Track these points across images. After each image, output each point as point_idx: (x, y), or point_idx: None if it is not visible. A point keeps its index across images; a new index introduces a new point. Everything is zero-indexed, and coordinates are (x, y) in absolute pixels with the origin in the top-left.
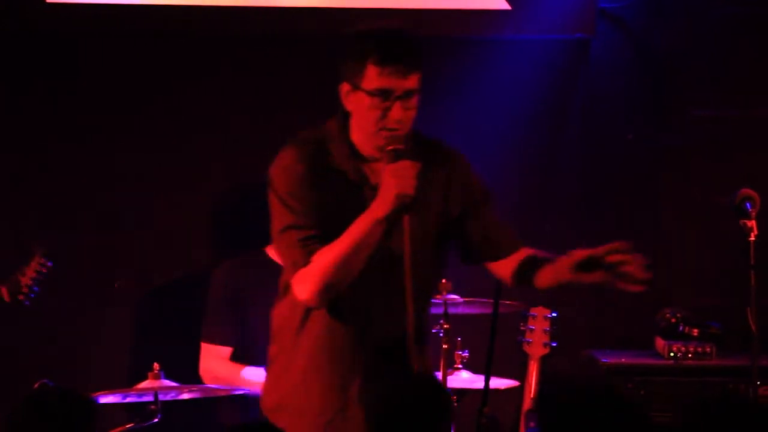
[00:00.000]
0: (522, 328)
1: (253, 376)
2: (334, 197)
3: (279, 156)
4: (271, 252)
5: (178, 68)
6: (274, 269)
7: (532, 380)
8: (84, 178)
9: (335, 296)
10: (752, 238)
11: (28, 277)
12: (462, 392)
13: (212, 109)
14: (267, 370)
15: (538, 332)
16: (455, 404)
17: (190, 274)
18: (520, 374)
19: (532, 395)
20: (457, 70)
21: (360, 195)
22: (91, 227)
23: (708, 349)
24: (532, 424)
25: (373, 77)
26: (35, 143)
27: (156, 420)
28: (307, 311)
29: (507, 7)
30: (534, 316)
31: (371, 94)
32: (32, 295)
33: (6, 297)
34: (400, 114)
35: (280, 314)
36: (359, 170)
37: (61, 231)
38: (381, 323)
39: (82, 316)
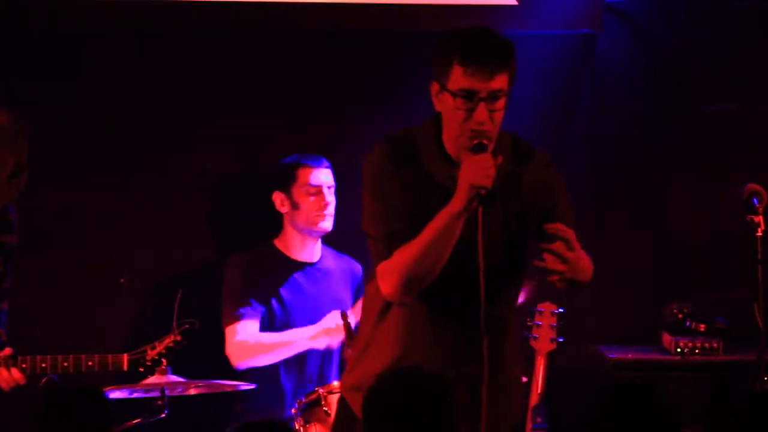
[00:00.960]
0: (529, 323)
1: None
2: (419, 198)
3: (372, 150)
4: (280, 244)
5: (181, 65)
6: (285, 261)
7: (539, 375)
8: (84, 177)
9: (417, 291)
10: (759, 234)
11: (156, 351)
12: None
13: (217, 105)
14: (354, 349)
15: (544, 328)
16: None
17: (198, 268)
18: (527, 370)
19: (539, 390)
20: None
21: (446, 198)
22: (94, 225)
23: (715, 345)
24: (539, 419)
25: (457, 77)
26: (35, 143)
27: (163, 415)
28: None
29: (514, 2)
30: (541, 312)
31: (455, 94)
32: (155, 367)
33: (124, 366)
34: (484, 115)
35: (368, 296)
36: (447, 173)
37: (61, 230)
38: (455, 316)
39: (88, 311)
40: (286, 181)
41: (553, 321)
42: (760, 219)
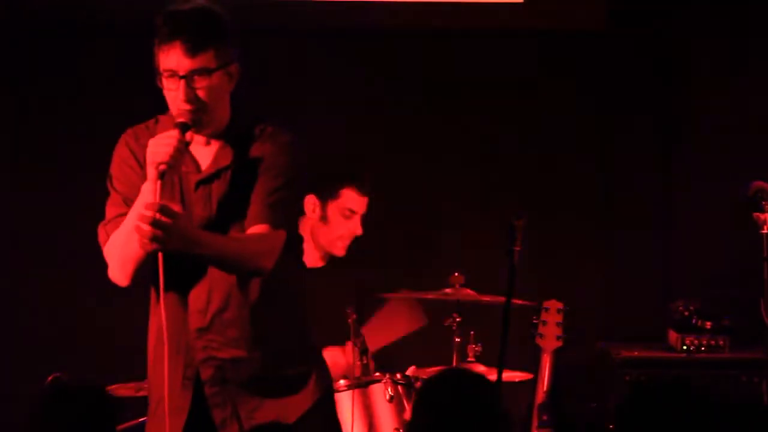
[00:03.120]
0: (535, 321)
1: None
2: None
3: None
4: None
5: None
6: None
7: (545, 373)
8: (85, 176)
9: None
10: (765, 231)
11: None
12: None
13: None
14: None
15: (550, 325)
16: None
17: None
18: (533, 367)
19: (545, 388)
20: (467, 63)
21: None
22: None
23: (721, 342)
24: (545, 417)
25: (161, 58)
26: (35, 143)
27: None
28: None
29: (519, 0)
30: (547, 310)
31: (161, 75)
32: None
33: None
34: (187, 94)
35: None
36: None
37: (61, 230)
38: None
39: (94, 311)
40: (328, 192)
41: (559, 318)
42: (766, 216)
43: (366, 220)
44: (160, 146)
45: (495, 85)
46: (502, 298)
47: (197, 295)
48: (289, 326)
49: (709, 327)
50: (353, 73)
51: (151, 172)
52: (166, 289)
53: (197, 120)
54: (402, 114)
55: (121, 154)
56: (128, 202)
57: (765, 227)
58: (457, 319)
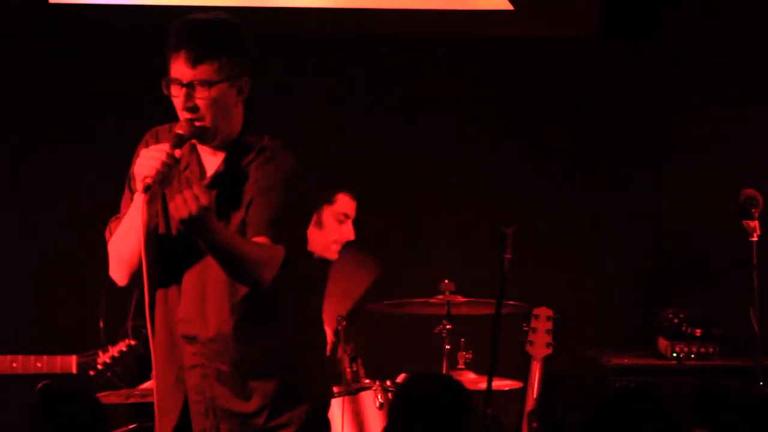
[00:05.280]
0: (525, 328)
1: None
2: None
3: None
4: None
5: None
6: None
7: (535, 381)
8: (84, 176)
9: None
10: (755, 238)
11: (108, 355)
12: None
13: None
14: None
15: (540, 333)
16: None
17: None
18: (524, 375)
19: (535, 396)
20: (459, 69)
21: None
22: (92, 225)
23: (711, 350)
24: (535, 425)
25: (171, 66)
26: (35, 142)
27: None
28: None
29: (509, 6)
30: (536, 317)
31: (169, 81)
32: (107, 374)
33: (73, 369)
34: (186, 102)
35: None
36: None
37: (60, 229)
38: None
39: (83, 316)
40: (323, 198)
41: (549, 326)
42: (755, 224)
43: (355, 225)
44: (148, 160)
45: (486, 92)
46: (492, 306)
47: (189, 303)
48: (278, 346)
49: (699, 334)
50: (344, 79)
51: (138, 185)
52: (162, 290)
53: (201, 131)
54: (391, 120)
55: (139, 153)
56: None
57: (755, 235)
58: (448, 327)
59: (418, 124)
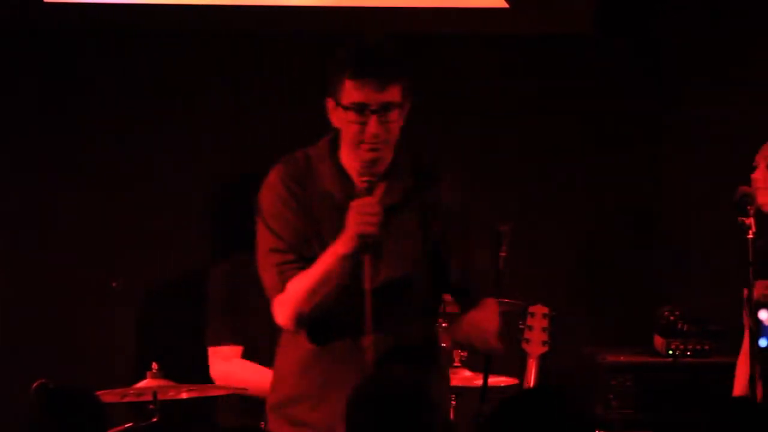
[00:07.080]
0: (521, 326)
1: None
2: (317, 219)
3: (268, 174)
4: None
5: (178, 67)
6: None
7: (530, 378)
8: (83, 176)
9: (309, 323)
10: (750, 236)
11: None
12: (461, 390)
13: (213, 109)
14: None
15: (536, 330)
16: (453, 402)
17: (189, 272)
18: (519, 372)
19: None
20: (455, 67)
21: (343, 217)
22: (90, 226)
23: (707, 347)
24: None
25: (349, 91)
26: (35, 142)
27: (155, 420)
28: None
29: (505, 5)
30: (532, 314)
31: (346, 108)
32: None
33: None
34: (376, 129)
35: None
36: (346, 191)
37: (60, 229)
38: (351, 356)
39: (80, 315)
40: None
41: (545, 323)
42: (751, 221)
43: None
44: (365, 216)
45: (480, 91)
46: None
47: None
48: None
49: (694, 332)
50: None
51: (354, 241)
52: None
53: (376, 173)
54: None
55: (280, 193)
56: (293, 248)
57: (750, 232)
58: (443, 325)
59: (413, 123)
